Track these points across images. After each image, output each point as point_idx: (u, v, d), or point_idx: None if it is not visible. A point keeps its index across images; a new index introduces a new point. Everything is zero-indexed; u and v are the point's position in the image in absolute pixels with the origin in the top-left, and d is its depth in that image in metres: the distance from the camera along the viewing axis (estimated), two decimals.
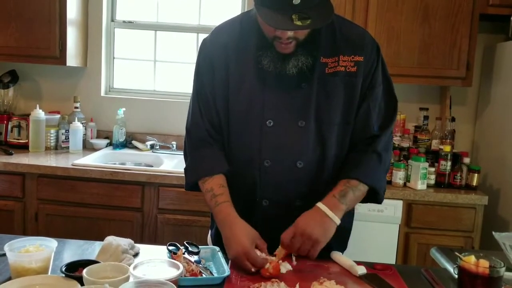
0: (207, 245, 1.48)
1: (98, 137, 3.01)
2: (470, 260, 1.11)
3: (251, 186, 1.36)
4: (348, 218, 1.43)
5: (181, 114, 1.47)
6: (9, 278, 1.12)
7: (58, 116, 2.90)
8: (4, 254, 1.15)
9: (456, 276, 1.18)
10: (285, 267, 1.25)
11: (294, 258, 1.28)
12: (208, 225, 1.58)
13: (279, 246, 1.26)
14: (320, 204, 1.26)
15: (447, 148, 2.54)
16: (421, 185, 2.45)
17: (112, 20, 3.09)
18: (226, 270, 1.19)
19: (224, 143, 1.39)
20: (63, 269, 1.10)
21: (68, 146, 2.81)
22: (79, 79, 3.05)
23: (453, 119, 2.74)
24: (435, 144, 2.69)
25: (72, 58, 2.80)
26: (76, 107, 2.91)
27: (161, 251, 1.35)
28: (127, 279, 1.03)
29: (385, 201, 2.34)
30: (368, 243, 2.39)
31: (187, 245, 1.32)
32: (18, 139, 2.81)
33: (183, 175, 1.44)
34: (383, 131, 1.37)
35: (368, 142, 1.37)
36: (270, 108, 1.32)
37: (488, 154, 2.73)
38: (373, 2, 2.56)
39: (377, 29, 2.56)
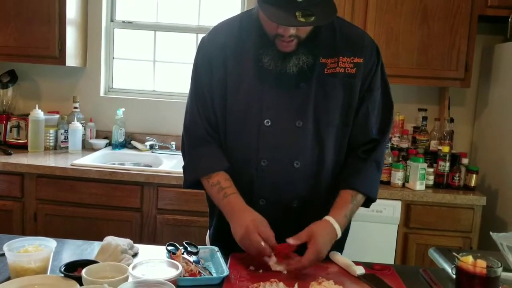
0: (206, 245, 1.48)
1: (97, 137, 3.01)
2: (467, 260, 1.12)
3: (248, 185, 1.36)
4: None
5: (181, 114, 1.47)
6: (8, 278, 1.12)
7: (57, 116, 2.90)
8: (3, 254, 1.16)
9: (454, 276, 1.18)
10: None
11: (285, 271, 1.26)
12: (207, 225, 1.59)
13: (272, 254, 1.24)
14: (334, 223, 1.27)
15: (445, 149, 2.54)
16: (419, 186, 2.45)
17: (112, 20, 3.09)
18: (225, 270, 1.19)
19: (221, 142, 1.39)
20: (62, 269, 1.10)
21: (67, 146, 2.81)
22: (78, 79, 3.05)
23: (451, 120, 2.75)
24: (433, 144, 2.70)
25: (72, 58, 2.80)
26: (75, 107, 2.91)
27: (160, 251, 1.36)
28: (126, 279, 1.03)
29: (383, 201, 2.40)
30: (367, 243, 2.39)
31: (186, 245, 1.32)
32: (17, 139, 2.81)
33: (182, 175, 1.44)
34: (382, 136, 1.39)
35: (367, 148, 1.38)
36: (268, 107, 1.32)
37: (486, 155, 2.74)
38: (372, 3, 2.56)
39: (376, 30, 2.56)
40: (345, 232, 1.48)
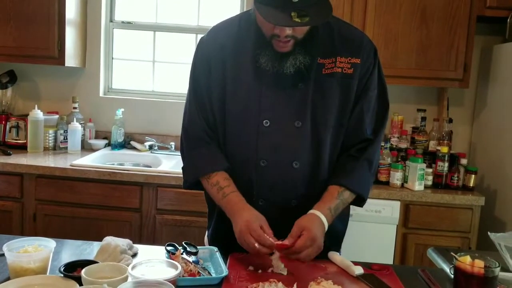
0: (205, 245, 1.49)
1: (96, 137, 3.01)
2: (465, 260, 1.12)
3: (247, 186, 1.36)
4: (341, 220, 1.43)
5: (180, 114, 1.48)
6: (8, 278, 1.12)
7: (56, 116, 2.90)
8: (3, 254, 1.16)
9: (452, 276, 1.19)
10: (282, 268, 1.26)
11: (286, 270, 1.26)
12: (206, 226, 1.59)
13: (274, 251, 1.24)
14: (320, 215, 1.27)
15: (444, 149, 2.54)
16: (418, 186, 2.46)
17: (111, 21, 3.09)
18: (224, 270, 1.19)
19: (220, 142, 1.39)
20: (62, 269, 1.11)
21: (67, 147, 2.81)
22: (77, 79, 3.05)
23: (450, 121, 2.75)
24: (432, 145, 2.70)
25: (71, 58, 2.80)
26: (75, 108, 2.91)
27: (159, 251, 1.36)
28: (125, 279, 1.04)
29: (382, 201, 2.40)
30: (366, 243, 2.40)
31: (185, 245, 1.32)
32: (16, 140, 2.82)
33: (182, 175, 1.44)
34: (375, 136, 1.39)
35: (360, 147, 1.38)
36: (266, 108, 1.32)
37: (485, 155, 2.74)
38: (371, 4, 2.57)
39: (375, 31, 2.56)
40: (342, 231, 1.49)
